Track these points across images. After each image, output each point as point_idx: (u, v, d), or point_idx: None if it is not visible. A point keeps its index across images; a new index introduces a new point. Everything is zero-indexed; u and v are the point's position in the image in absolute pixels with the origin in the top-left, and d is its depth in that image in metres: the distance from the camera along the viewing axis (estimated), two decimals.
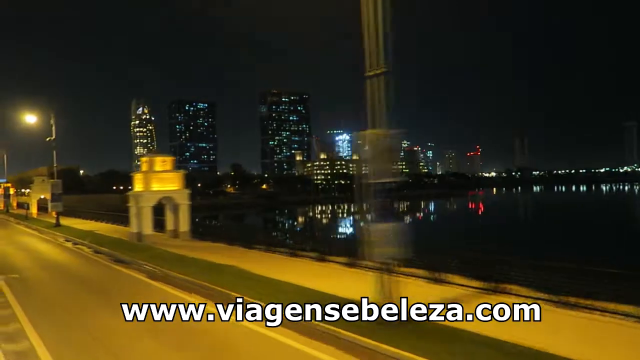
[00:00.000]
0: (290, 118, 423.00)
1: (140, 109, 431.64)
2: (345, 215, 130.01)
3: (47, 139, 44.64)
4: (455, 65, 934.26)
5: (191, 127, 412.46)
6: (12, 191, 77.51)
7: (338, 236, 62.15)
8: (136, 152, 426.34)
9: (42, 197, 61.63)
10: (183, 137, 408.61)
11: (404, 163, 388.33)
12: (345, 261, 19.37)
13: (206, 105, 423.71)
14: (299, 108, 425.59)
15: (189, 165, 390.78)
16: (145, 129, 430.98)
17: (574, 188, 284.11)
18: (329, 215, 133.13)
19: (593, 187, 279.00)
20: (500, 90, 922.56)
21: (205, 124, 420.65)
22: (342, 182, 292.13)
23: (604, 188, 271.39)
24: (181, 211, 29.63)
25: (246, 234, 28.30)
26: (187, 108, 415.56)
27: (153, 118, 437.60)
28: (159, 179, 29.03)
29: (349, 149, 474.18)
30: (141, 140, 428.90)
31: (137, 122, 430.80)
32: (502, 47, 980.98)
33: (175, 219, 30.68)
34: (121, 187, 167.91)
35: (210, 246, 26.34)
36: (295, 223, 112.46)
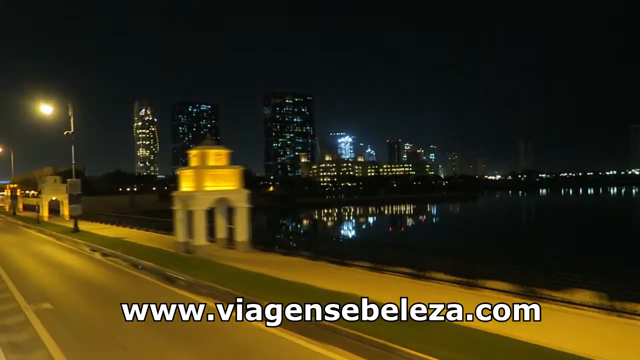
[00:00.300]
0: (294, 120, 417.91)
1: (143, 110, 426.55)
2: (387, 219, 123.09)
3: (65, 133, 39.24)
4: (455, 65, 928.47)
5: (194, 129, 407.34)
6: (18, 192, 72.12)
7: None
8: (138, 154, 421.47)
9: (54, 198, 56.27)
10: (186, 138, 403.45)
11: (410, 165, 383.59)
12: (508, 288, 13.87)
13: (209, 106, 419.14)
14: (302, 110, 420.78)
15: None
16: (147, 131, 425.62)
17: (581, 191, 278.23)
18: (370, 219, 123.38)
19: (600, 190, 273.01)
20: (502, 91, 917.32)
21: (209, 125, 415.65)
22: (349, 184, 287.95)
23: (612, 191, 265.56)
24: (239, 216, 24.12)
25: (313, 244, 22.89)
26: (190, 109, 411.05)
27: (156, 119, 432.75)
28: (212, 176, 23.52)
29: (352, 150, 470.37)
30: (144, 142, 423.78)
31: (140, 123, 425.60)
32: (502, 47, 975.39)
33: (229, 226, 25.24)
34: (127, 189, 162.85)
35: (289, 261, 20.81)
36: (347, 229, 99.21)
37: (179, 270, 18.92)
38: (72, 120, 39.02)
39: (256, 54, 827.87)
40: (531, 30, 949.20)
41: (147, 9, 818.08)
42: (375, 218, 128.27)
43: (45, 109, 38.68)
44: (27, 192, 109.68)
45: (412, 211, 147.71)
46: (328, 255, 20.54)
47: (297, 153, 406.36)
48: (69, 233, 37.60)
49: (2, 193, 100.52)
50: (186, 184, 24.25)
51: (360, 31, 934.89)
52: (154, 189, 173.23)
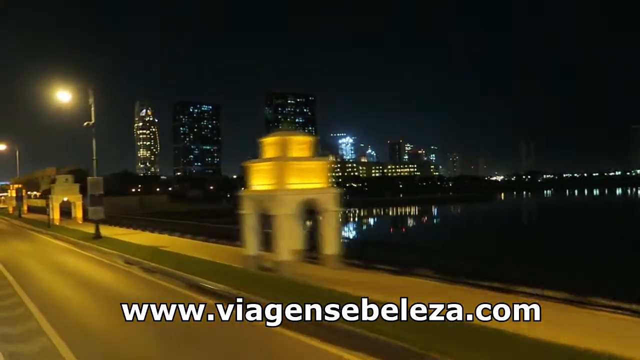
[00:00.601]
0: (297, 120, 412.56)
1: (144, 110, 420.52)
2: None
3: (85, 124, 33.84)
4: (455, 65, 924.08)
5: (195, 129, 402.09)
6: (24, 193, 66.67)
7: None
8: (139, 154, 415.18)
9: (65, 199, 50.84)
10: (187, 139, 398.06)
11: (415, 166, 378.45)
12: None
13: (210, 107, 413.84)
14: (304, 110, 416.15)
15: (192, 167, 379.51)
16: (148, 131, 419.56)
17: (586, 192, 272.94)
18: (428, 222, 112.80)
19: (606, 191, 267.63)
20: (503, 92, 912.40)
21: (210, 126, 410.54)
22: (354, 184, 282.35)
23: (617, 191, 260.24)
24: (327, 222, 18.69)
25: (417, 257, 17.52)
26: (191, 110, 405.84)
27: (156, 120, 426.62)
28: (298, 170, 18.05)
29: (352, 151, 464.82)
30: (144, 143, 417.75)
31: (141, 124, 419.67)
32: (503, 48, 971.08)
33: (311, 234, 19.89)
34: (133, 190, 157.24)
35: (415, 284, 15.35)
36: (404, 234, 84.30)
37: (274, 299, 13.52)
38: (92, 108, 33.62)
39: (256, 54, 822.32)
40: (531, 29, 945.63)
41: (147, 9, 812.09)
42: (413, 221, 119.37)
43: (63, 96, 33.27)
44: (29, 193, 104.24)
45: (449, 213, 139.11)
46: (463, 277, 15.17)
47: None
48: (89, 239, 32.26)
49: (4, 194, 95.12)
50: (260, 180, 18.80)
51: (360, 31, 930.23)
52: (157, 189, 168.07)
